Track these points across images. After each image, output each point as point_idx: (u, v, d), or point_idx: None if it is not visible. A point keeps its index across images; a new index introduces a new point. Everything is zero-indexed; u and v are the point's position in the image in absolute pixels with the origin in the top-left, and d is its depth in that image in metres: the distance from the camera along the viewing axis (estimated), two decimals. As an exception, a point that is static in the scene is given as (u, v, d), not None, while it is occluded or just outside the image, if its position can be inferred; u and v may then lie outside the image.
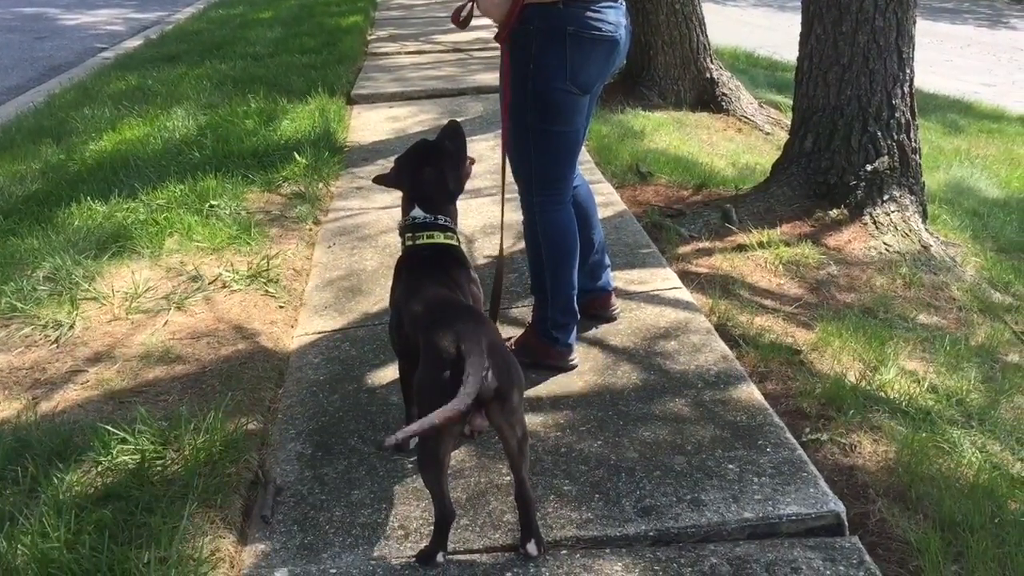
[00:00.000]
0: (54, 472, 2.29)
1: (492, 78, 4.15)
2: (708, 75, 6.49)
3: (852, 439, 2.56)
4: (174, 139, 5.34)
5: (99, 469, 2.34)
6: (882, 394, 2.81)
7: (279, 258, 3.75)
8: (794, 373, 2.89)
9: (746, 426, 2.51)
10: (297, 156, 4.88)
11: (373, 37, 9.57)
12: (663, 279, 3.47)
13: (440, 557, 2.04)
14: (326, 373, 2.94)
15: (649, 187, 4.69)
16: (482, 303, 2.47)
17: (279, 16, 10.42)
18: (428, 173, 2.44)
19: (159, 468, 2.35)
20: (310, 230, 4.19)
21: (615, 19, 2.56)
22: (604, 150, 5.21)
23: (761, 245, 3.87)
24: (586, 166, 4.92)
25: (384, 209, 4.34)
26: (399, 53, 8.59)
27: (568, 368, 2.86)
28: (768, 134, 6.23)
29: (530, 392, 2.71)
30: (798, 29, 4.40)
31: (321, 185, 4.72)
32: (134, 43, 9.77)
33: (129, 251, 3.77)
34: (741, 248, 3.87)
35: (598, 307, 3.14)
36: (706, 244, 3.92)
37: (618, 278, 3.43)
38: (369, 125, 6.01)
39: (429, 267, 2.35)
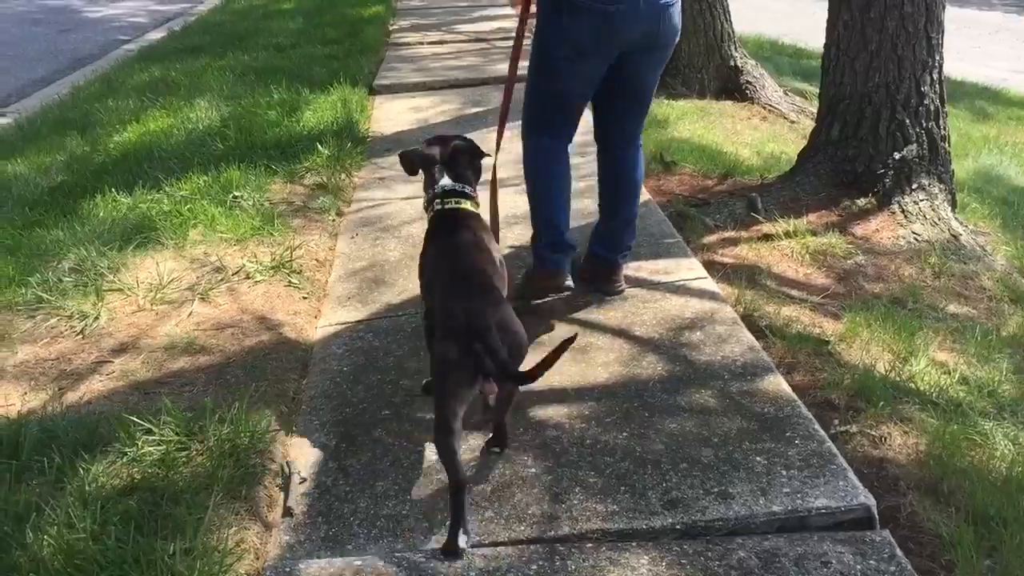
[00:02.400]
0: (80, 463, 2.30)
1: (514, 67, 4.27)
2: (732, 63, 6.42)
3: (882, 431, 2.53)
4: (197, 130, 5.35)
5: (124, 460, 2.34)
6: (912, 385, 2.77)
7: (302, 249, 3.75)
8: (822, 364, 2.85)
9: (774, 418, 2.48)
10: (320, 147, 4.88)
11: (395, 27, 9.55)
12: (688, 269, 3.43)
13: (463, 540, 2.02)
14: (350, 364, 2.93)
15: (674, 176, 4.65)
16: (506, 280, 2.51)
17: (301, 7, 10.41)
18: (458, 145, 2.64)
19: (184, 459, 2.35)
20: (333, 221, 4.19)
21: None
22: (627, 139, 5.16)
23: (787, 235, 3.82)
24: (609, 155, 4.89)
25: (407, 200, 4.33)
26: (421, 43, 8.56)
27: (557, 289, 3.11)
28: (794, 122, 6.15)
29: (554, 383, 2.69)
30: (823, 16, 4.33)
31: (344, 176, 4.71)
32: (157, 35, 9.81)
33: (153, 242, 3.78)
34: (767, 238, 3.83)
35: (601, 276, 3.25)
36: (732, 234, 3.87)
37: (643, 268, 3.41)
38: (391, 115, 6.00)
39: (457, 230, 2.46)
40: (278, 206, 4.25)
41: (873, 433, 2.51)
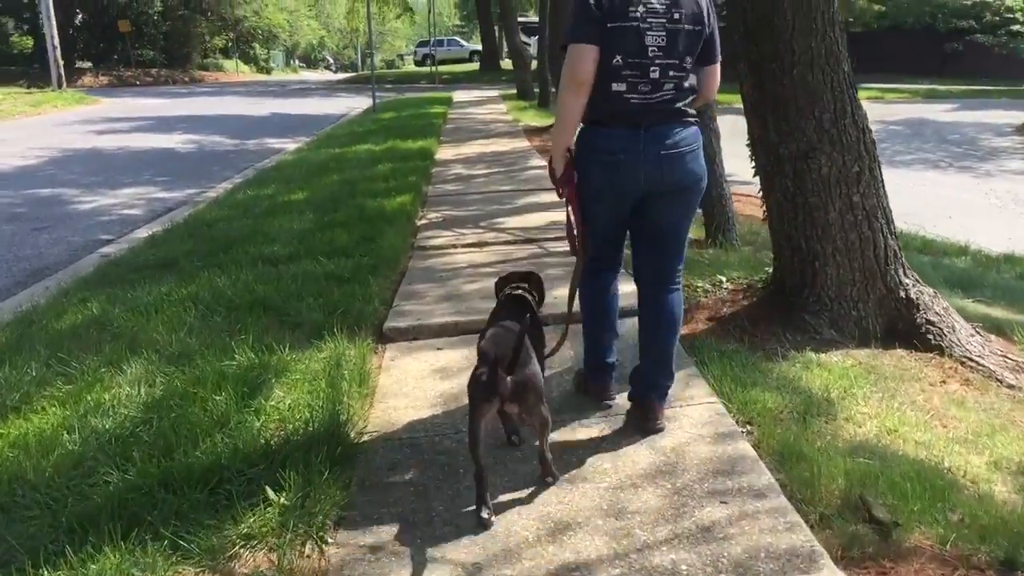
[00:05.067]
0: None
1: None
2: (903, 294, 4.41)
3: None
4: (99, 433, 3.41)
5: None
6: None
7: None
8: None
9: None
10: (270, 493, 2.87)
11: (423, 222, 7.82)
12: None
13: (484, 513, 2.77)
14: None
15: (910, 566, 2.52)
16: (544, 340, 3.29)
17: (314, 197, 8.76)
18: (536, 279, 3.51)
19: None
20: None
21: (616, 144, 3.12)
22: (789, 455, 3.11)
23: None
24: (773, 501, 2.82)
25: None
26: (454, 246, 6.76)
27: (601, 401, 3.62)
28: (1012, 387, 4.06)
29: None
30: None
31: (308, 549, 2.68)
32: (143, 233, 8.16)
33: None
34: None
35: (638, 415, 3.40)
36: None
37: None
38: (405, 386, 4.02)
39: (517, 304, 3.29)
40: (165, 658, 2.20)
41: None
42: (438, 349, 4.47)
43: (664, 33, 3.04)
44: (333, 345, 4.27)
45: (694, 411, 3.52)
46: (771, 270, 4.83)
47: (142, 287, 5.60)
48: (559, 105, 3.21)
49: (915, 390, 3.92)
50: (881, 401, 3.74)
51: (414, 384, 4.04)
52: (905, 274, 4.44)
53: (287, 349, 4.24)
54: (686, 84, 3.13)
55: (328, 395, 3.63)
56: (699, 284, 5.06)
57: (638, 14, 3.02)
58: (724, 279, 5.10)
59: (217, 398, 3.62)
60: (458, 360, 4.26)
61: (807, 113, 4.19)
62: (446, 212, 8.32)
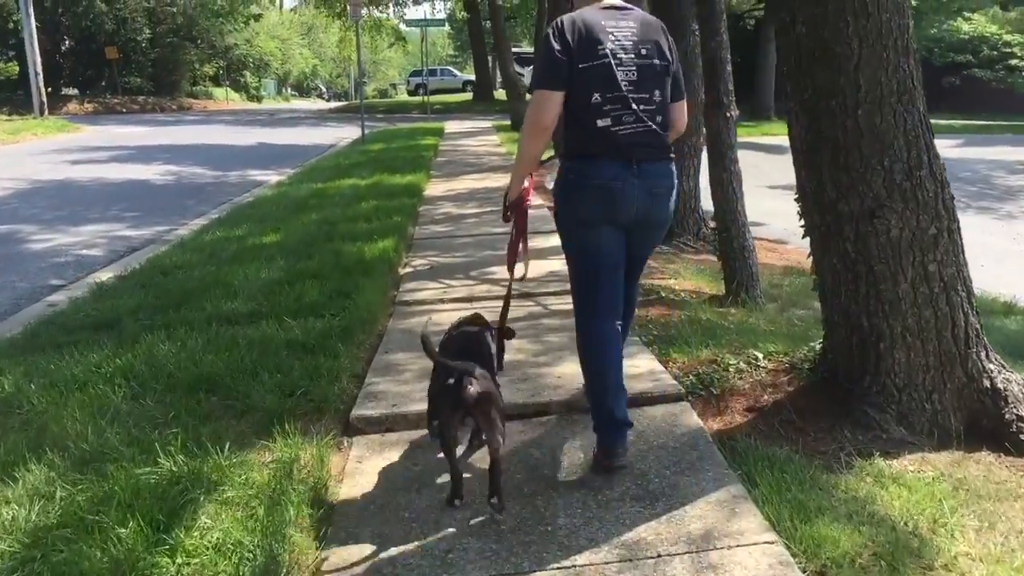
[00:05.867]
0: None
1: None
2: (986, 383, 3.59)
3: None
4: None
5: None
6: None
7: None
8: None
9: None
10: None
11: (407, 270, 7.02)
12: None
13: (456, 502, 3.03)
14: None
15: None
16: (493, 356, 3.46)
17: (288, 240, 7.94)
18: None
19: None
20: None
21: (609, 172, 3.14)
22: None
23: None
24: None
25: None
26: (440, 301, 5.96)
27: (605, 467, 3.26)
28: None
29: None
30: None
31: None
32: (103, 276, 7.32)
33: None
34: None
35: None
36: None
37: None
38: (372, 501, 3.17)
39: (463, 327, 3.52)
40: None
41: None
42: (417, 447, 3.63)
43: (635, 68, 3.14)
44: (285, 444, 3.42)
45: (747, 557, 2.67)
46: (819, 347, 4.01)
47: (72, 354, 4.75)
48: (520, 146, 3.34)
49: (1017, 514, 3.08)
50: (980, 533, 2.91)
51: (384, 499, 3.19)
52: (988, 358, 3.63)
53: (227, 448, 3.40)
54: (659, 119, 3.21)
55: (267, 529, 2.78)
56: (731, 361, 4.22)
57: (607, 50, 3.10)
58: (760, 355, 4.27)
59: (122, 531, 2.76)
60: (441, 464, 3.41)
61: (874, 162, 3.39)
62: (432, 258, 7.53)
